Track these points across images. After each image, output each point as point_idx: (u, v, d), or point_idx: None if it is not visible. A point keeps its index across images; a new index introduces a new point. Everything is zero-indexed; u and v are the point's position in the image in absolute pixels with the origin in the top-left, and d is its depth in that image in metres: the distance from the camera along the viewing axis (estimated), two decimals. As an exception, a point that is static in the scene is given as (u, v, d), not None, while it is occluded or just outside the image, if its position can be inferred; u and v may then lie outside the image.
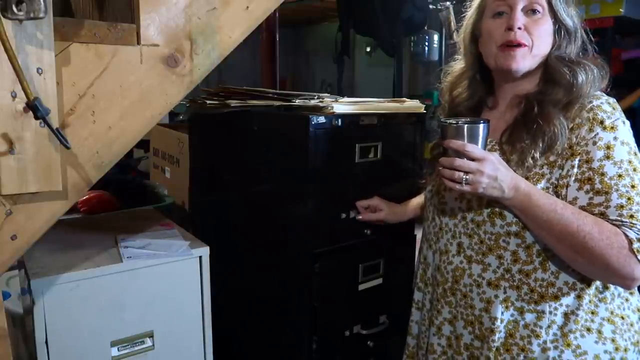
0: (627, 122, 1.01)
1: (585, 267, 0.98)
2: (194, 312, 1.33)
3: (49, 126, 0.79)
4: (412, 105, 1.55)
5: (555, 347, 1.02)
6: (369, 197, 1.46)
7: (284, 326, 1.56)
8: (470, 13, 1.17)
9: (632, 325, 1.05)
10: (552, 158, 1.02)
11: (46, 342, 1.12)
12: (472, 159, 0.95)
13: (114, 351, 1.22)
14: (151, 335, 1.27)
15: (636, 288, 1.08)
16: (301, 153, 1.38)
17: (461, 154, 0.96)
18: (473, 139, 0.97)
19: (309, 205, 1.38)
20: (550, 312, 1.03)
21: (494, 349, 1.07)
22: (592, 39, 1.10)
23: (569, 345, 1.02)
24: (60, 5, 1.06)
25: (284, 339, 1.57)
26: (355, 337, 1.52)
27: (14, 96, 0.78)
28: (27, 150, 0.81)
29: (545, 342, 1.03)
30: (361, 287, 1.51)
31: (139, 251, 1.27)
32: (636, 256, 0.91)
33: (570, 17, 1.05)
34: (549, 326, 1.03)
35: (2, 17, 0.72)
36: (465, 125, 0.98)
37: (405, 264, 1.59)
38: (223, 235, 1.74)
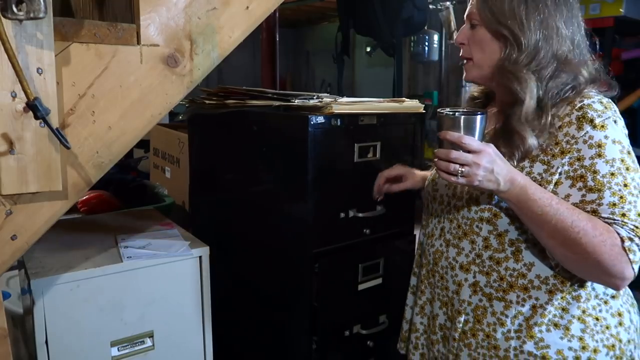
0: (620, 121, 1.00)
1: (576, 264, 0.98)
2: (194, 312, 1.33)
3: (49, 126, 0.80)
4: (412, 105, 1.55)
5: (518, 337, 1.04)
6: (365, 196, 1.46)
7: (284, 326, 1.56)
8: None
9: (607, 327, 1.03)
10: (534, 152, 1.02)
11: (46, 342, 1.12)
12: (469, 151, 0.94)
13: (114, 351, 1.22)
14: (151, 335, 1.27)
15: (621, 294, 1.07)
16: (300, 153, 1.38)
17: (457, 146, 0.95)
18: (470, 130, 0.96)
19: (309, 204, 1.38)
20: (518, 302, 1.05)
21: (459, 330, 1.11)
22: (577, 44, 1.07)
23: (532, 337, 1.03)
24: (60, 5, 1.06)
25: (283, 339, 1.57)
26: (355, 337, 1.53)
27: (14, 96, 0.78)
28: (27, 150, 0.81)
29: (509, 331, 1.05)
30: (361, 286, 1.51)
31: (139, 251, 1.27)
32: (627, 255, 0.91)
33: (504, 23, 1.03)
34: (515, 316, 1.05)
35: (2, 17, 0.72)
36: (462, 117, 0.96)
37: (405, 263, 1.59)
38: (223, 235, 1.74)
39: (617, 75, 3.05)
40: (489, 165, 0.94)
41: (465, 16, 1.10)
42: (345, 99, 1.49)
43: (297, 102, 1.39)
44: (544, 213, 0.94)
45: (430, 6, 3.54)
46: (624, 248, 0.91)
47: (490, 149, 0.96)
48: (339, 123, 1.37)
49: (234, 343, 1.76)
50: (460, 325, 1.11)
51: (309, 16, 5.99)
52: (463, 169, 0.94)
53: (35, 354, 1.12)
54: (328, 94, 1.49)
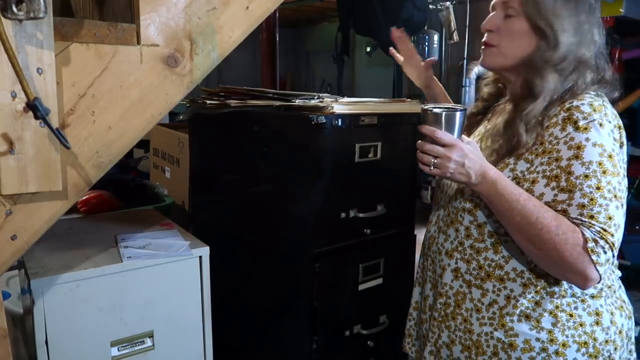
0: (609, 125, 0.99)
1: (542, 260, 1.01)
2: (194, 312, 1.33)
3: (49, 126, 0.79)
4: (412, 105, 1.55)
5: (491, 324, 1.09)
6: (368, 196, 1.47)
7: (284, 326, 1.56)
8: None
9: (581, 325, 1.05)
10: (520, 150, 1.05)
11: (46, 342, 1.12)
12: (442, 145, 1.00)
13: (114, 351, 1.22)
14: (151, 335, 1.27)
15: (604, 295, 1.08)
16: (301, 153, 1.38)
17: (433, 140, 1.01)
18: (450, 125, 1.02)
19: (309, 205, 1.38)
20: (493, 292, 1.10)
21: (440, 311, 1.17)
22: (604, 46, 1.09)
23: (503, 325, 1.08)
24: (60, 5, 1.06)
25: (284, 339, 1.57)
26: (356, 337, 1.53)
27: (14, 96, 0.78)
28: (27, 150, 0.81)
29: (483, 317, 1.11)
30: (361, 287, 1.51)
31: (139, 251, 1.27)
32: (590, 256, 0.93)
33: (546, 19, 1.03)
34: (490, 304, 1.10)
35: (2, 17, 0.72)
36: (442, 112, 1.02)
37: (405, 263, 1.59)
38: (223, 235, 1.74)
39: (617, 75, 3.05)
40: (460, 159, 0.99)
41: (497, 3, 1.09)
42: (346, 99, 1.49)
43: (298, 102, 1.39)
44: (511, 208, 0.99)
45: (430, 6, 3.54)
46: (586, 249, 0.93)
47: (465, 144, 1.01)
48: (339, 123, 1.37)
49: (234, 343, 1.75)
50: (441, 307, 1.17)
51: (309, 16, 5.99)
52: (435, 161, 1.01)
53: (35, 354, 1.12)
54: (329, 94, 1.49)
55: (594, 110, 1.00)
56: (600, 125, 0.99)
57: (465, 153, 0.99)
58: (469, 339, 1.12)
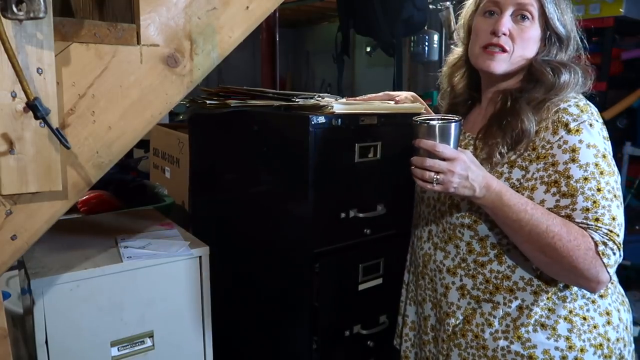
0: (597, 124, 1.00)
1: (551, 268, 0.99)
2: (194, 312, 1.33)
3: (49, 126, 0.79)
4: (412, 106, 1.55)
5: (506, 338, 1.06)
6: (368, 196, 1.47)
7: (284, 326, 1.56)
8: (468, 3, 1.17)
9: (595, 327, 1.04)
10: (512, 157, 1.02)
11: (46, 342, 1.12)
12: (443, 159, 0.94)
13: (114, 351, 1.22)
14: (151, 335, 1.27)
15: (610, 292, 1.08)
16: (301, 153, 1.38)
17: (432, 154, 0.95)
18: (445, 137, 0.96)
19: (309, 204, 1.38)
20: (505, 304, 1.06)
21: (449, 332, 1.13)
22: (587, 45, 1.10)
23: (519, 337, 1.04)
24: (60, 5, 1.06)
25: (284, 339, 1.57)
26: (356, 337, 1.52)
27: (14, 96, 0.78)
28: (27, 150, 0.81)
29: (497, 331, 1.07)
30: (361, 287, 1.51)
31: (139, 251, 1.27)
32: (601, 259, 0.92)
33: (564, 25, 1.05)
34: (502, 317, 1.06)
35: (2, 17, 0.72)
36: (437, 125, 0.96)
37: (405, 264, 1.59)
38: (223, 235, 1.74)
39: (617, 75, 3.06)
40: (464, 172, 0.94)
41: (507, 3, 1.04)
42: (345, 99, 1.49)
43: (298, 101, 1.39)
44: (518, 219, 0.95)
45: (430, 6, 3.54)
46: (597, 252, 0.92)
47: (465, 155, 0.96)
48: (339, 123, 1.37)
49: (234, 343, 1.75)
50: (450, 328, 1.13)
51: (309, 16, 6.00)
52: (438, 177, 0.94)
53: (35, 354, 1.12)
54: (329, 94, 1.49)
55: (582, 111, 1.00)
56: (591, 125, 0.99)
57: (467, 165, 0.95)
58: (484, 356, 1.08)
